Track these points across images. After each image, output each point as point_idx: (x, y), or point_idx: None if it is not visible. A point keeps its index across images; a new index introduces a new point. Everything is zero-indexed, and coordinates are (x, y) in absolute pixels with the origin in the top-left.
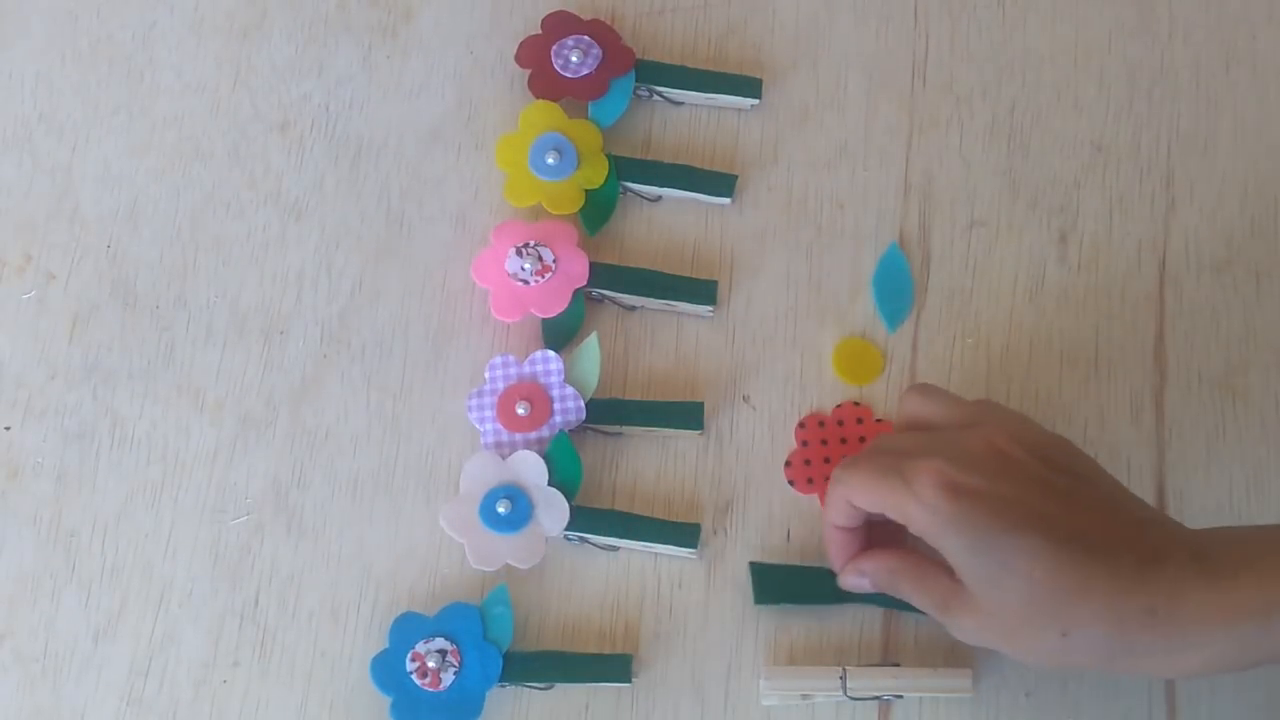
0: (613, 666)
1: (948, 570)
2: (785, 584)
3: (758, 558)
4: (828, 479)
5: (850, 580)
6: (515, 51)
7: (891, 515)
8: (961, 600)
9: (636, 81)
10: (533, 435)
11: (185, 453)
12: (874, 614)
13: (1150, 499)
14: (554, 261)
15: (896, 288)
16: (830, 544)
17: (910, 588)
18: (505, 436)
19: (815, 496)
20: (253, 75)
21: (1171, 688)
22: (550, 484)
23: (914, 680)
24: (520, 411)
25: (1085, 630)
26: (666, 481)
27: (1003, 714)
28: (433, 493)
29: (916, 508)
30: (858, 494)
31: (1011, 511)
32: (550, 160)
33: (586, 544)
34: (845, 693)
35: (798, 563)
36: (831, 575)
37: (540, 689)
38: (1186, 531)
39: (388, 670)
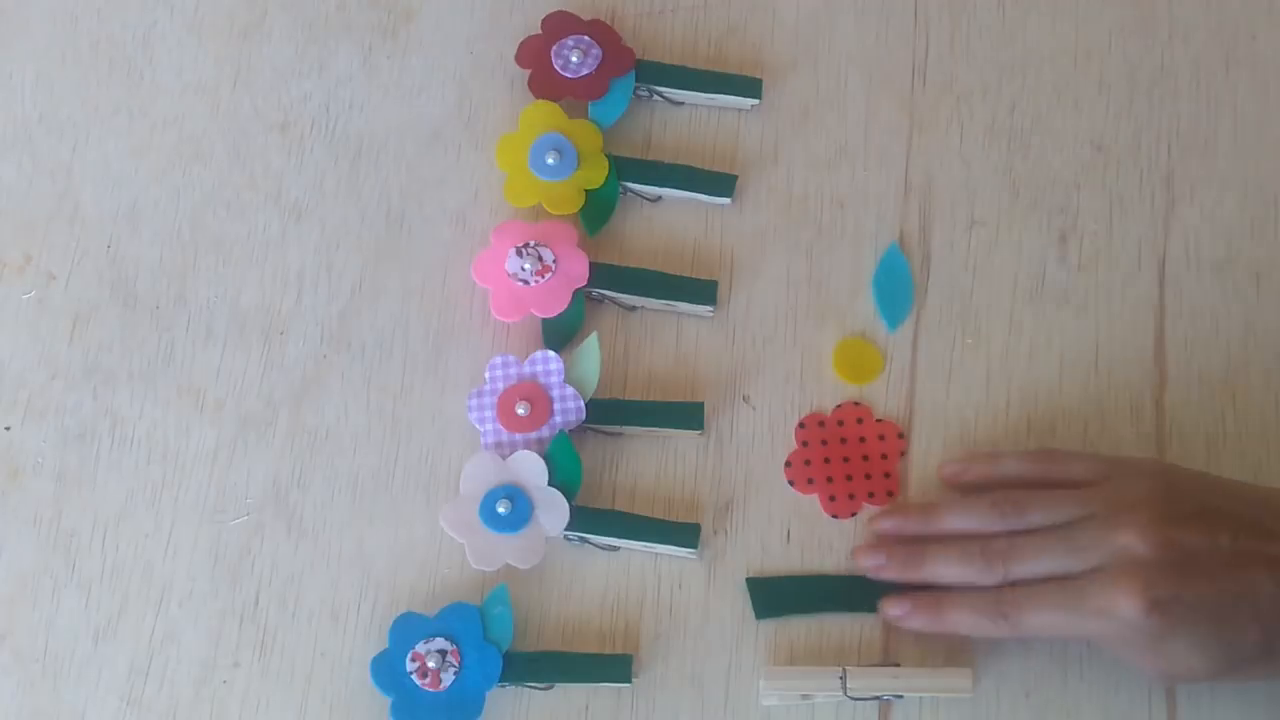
0: (613, 666)
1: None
2: (784, 596)
3: (758, 558)
4: (829, 479)
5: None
6: (515, 51)
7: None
8: (1158, 655)
9: (636, 81)
10: (533, 435)
11: (185, 453)
12: (874, 614)
13: None
14: (554, 261)
15: (897, 288)
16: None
17: (1094, 630)
18: (505, 436)
19: (815, 497)
20: (253, 75)
21: (1171, 688)
22: (550, 484)
23: (914, 680)
24: (520, 411)
25: None
26: (666, 481)
27: (1003, 714)
28: (433, 493)
29: (1125, 635)
30: (1040, 633)
31: (1214, 600)
32: (550, 160)
33: (586, 544)
34: (845, 693)
35: (796, 563)
36: (830, 580)
37: (540, 689)
38: None
39: (388, 670)
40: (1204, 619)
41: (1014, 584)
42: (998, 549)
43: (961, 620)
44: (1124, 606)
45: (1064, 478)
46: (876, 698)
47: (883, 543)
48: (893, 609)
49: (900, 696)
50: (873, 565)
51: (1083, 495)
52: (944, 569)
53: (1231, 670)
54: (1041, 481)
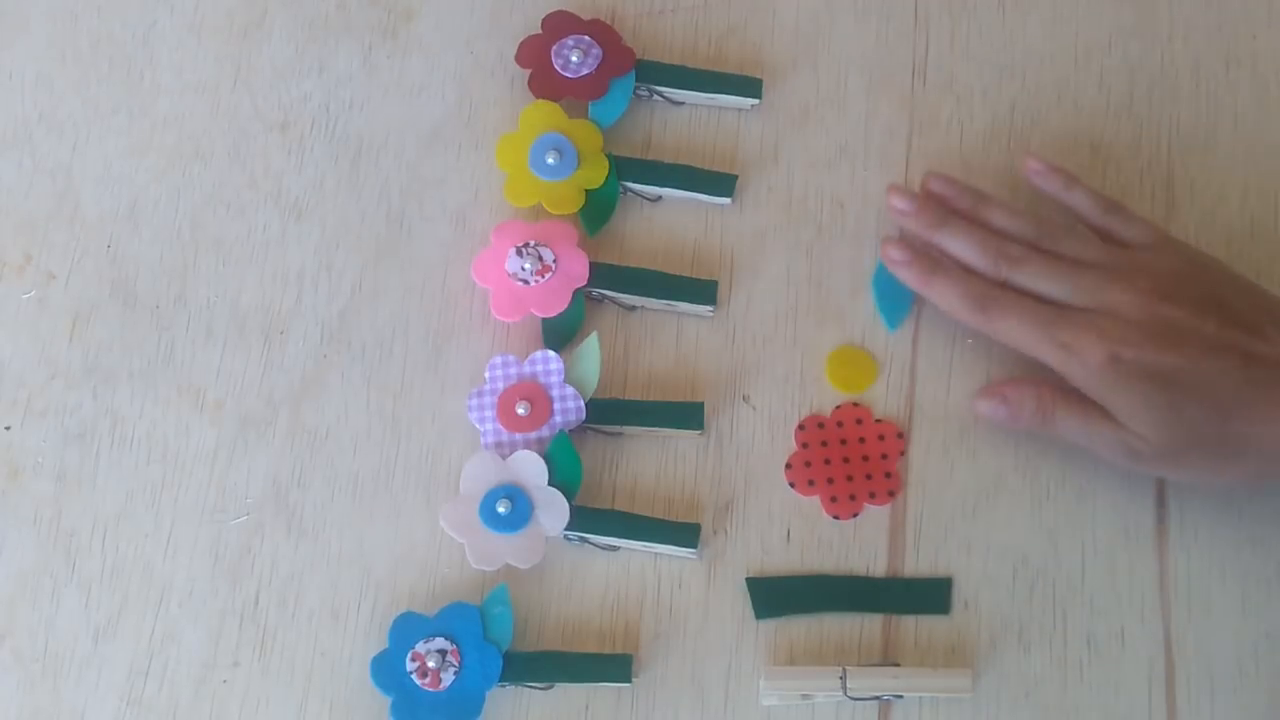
0: (613, 666)
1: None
2: (783, 596)
3: (758, 558)
4: (830, 480)
5: (986, 406)
6: (515, 51)
7: (1053, 365)
8: (1118, 426)
9: (636, 81)
10: (533, 435)
11: (185, 453)
12: (874, 614)
13: (1150, 499)
14: (554, 261)
15: (896, 288)
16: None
17: (1071, 421)
18: (505, 436)
19: (816, 498)
20: (253, 75)
21: (1171, 688)
22: (550, 484)
23: (914, 680)
24: (520, 411)
25: (1268, 467)
26: (666, 481)
27: (1003, 714)
28: (433, 493)
29: (1080, 375)
30: (1013, 340)
31: (1174, 376)
32: (550, 160)
33: (586, 544)
34: (845, 693)
35: (796, 563)
36: (830, 580)
37: (540, 689)
38: None
39: (388, 670)
40: (1158, 382)
41: (1007, 286)
42: (1011, 252)
43: (945, 291)
44: (1087, 350)
45: (1118, 233)
46: (876, 698)
47: (916, 195)
48: (893, 251)
49: (900, 696)
50: (902, 206)
51: (1115, 249)
52: (957, 242)
53: (1178, 445)
54: (1097, 228)
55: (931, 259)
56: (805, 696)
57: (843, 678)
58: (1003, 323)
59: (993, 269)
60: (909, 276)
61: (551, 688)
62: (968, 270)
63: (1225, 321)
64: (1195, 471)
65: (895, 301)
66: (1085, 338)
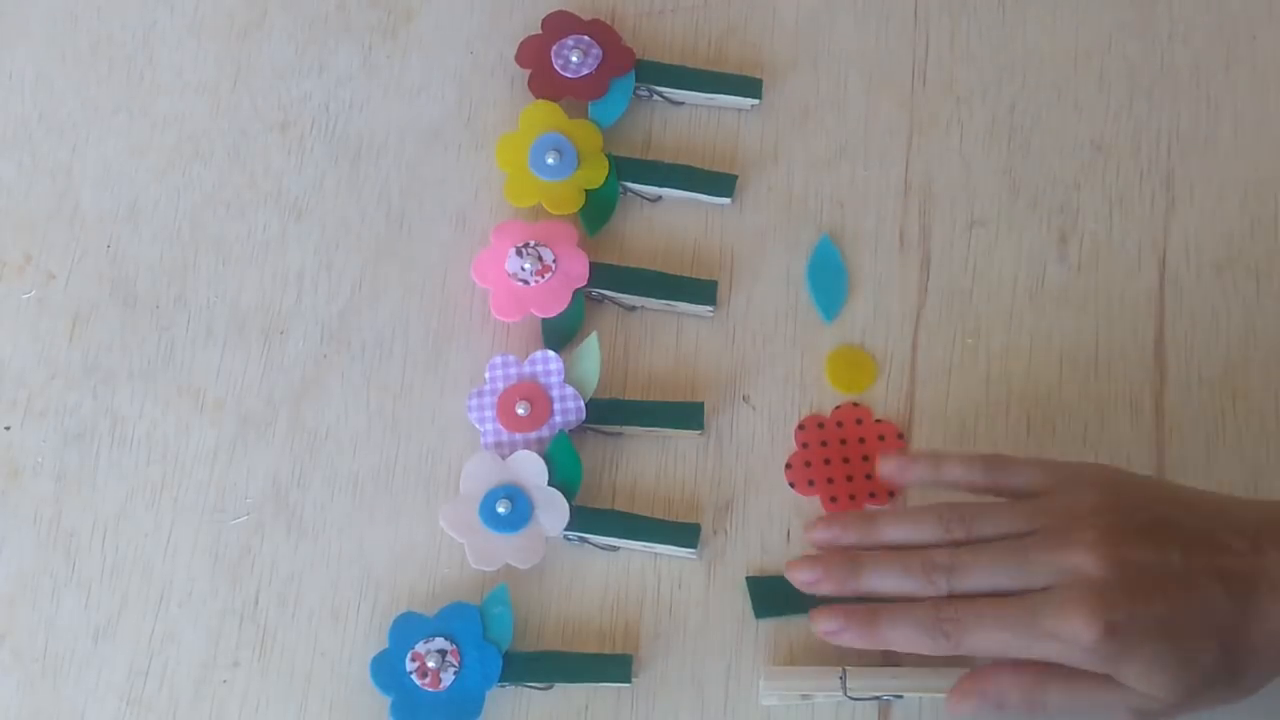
0: (613, 666)
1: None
2: (783, 595)
3: (758, 558)
4: (829, 480)
5: (967, 706)
6: (515, 51)
7: (1041, 659)
8: (1121, 691)
9: (636, 81)
10: (533, 435)
11: (185, 453)
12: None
13: None
14: (554, 261)
15: (831, 279)
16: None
17: (1067, 699)
18: (505, 436)
19: (816, 498)
20: (253, 75)
21: None
22: (550, 484)
23: (914, 680)
24: (520, 411)
25: (1268, 670)
26: (666, 481)
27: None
28: (433, 493)
29: (1085, 658)
30: (993, 651)
31: (1167, 620)
32: (550, 160)
33: (586, 544)
34: (845, 693)
35: None
36: None
37: (540, 689)
38: (1261, 514)
39: (388, 670)
40: (1161, 637)
41: (956, 598)
42: (940, 561)
43: (898, 636)
44: (1079, 630)
45: (1010, 486)
46: (876, 698)
47: (818, 555)
48: (824, 623)
49: (900, 696)
50: (807, 579)
51: (1031, 507)
52: (881, 581)
53: (1194, 694)
54: (986, 489)
55: (867, 609)
56: (805, 697)
57: (842, 678)
58: (976, 640)
59: (930, 588)
60: (855, 640)
61: (551, 688)
62: (909, 599)
63: (1187, 547)
64: (1206, 707)
65: (830, 292)
66: (1071, 620)
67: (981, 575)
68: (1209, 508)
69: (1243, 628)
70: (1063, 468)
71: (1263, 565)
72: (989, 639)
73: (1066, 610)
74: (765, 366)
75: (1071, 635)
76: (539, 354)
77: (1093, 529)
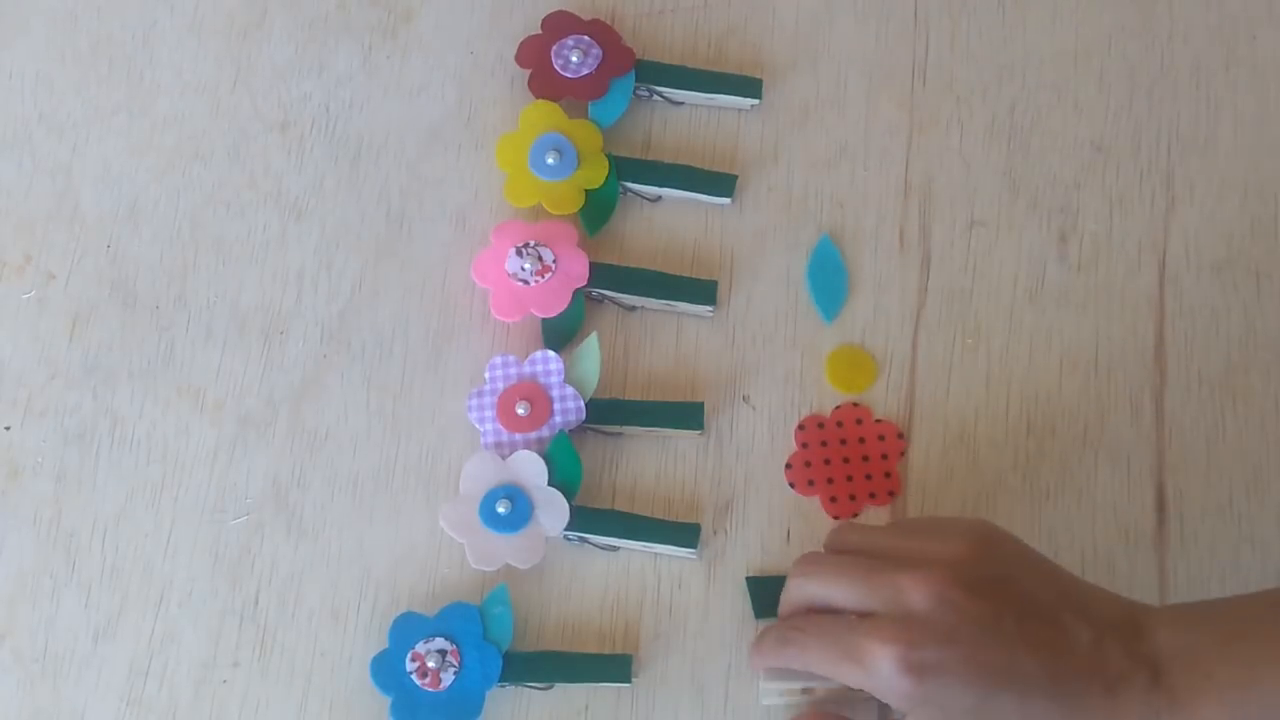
0: (613, 666)
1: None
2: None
3: (758, 558)
4: (829, 480)
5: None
6: (515, 51)
7: (851, 683)
8: None
9: (636, 81)
10: (533, 435)
11: (185, 453)
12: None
13: (1150, 499)
14: (554, 261)
15: (830, 279)
16: (761, 667)
17: None
18: (505, 436)
19: (816, 498)
20: (253, 75)
21: None
22: (550, 484)
23: None
24: (520, 411)
25: None
26: (666, 481)
27: None
28: (433, 493)
29: (882, 689)
30: (811, 665)
31: (976, 676)
32: (550, 160)
33: (586, 544)
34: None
35: None
36: None
37: (540, 689)
38: (1143, 628)
39: (388, 670)
40: (961, 691)
41: (812, 613)
42: (804, 564)
43: (765, 647)
44: (881, 658)
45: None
46: None
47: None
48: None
49: None
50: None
51: (902, 533)
52: (796, 587)
53: None
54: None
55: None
56: (806, 691)
57: None
58: (806, 655)
59: (798, 593)
60: (755, 660)
61: (551, 688)
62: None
63: (1024, 614)
64: None
65: (830, 293)
66: (877, 647)
67: (824, 583)
68: (1071, 590)
69: (1062, 708)
70: (946, 521)
71: (1099, 662)
72: (815, 654)
73: (876, 637)
74: (765, 366)
75: (874, 663)
76: (539, 354)
77: (936, 567)
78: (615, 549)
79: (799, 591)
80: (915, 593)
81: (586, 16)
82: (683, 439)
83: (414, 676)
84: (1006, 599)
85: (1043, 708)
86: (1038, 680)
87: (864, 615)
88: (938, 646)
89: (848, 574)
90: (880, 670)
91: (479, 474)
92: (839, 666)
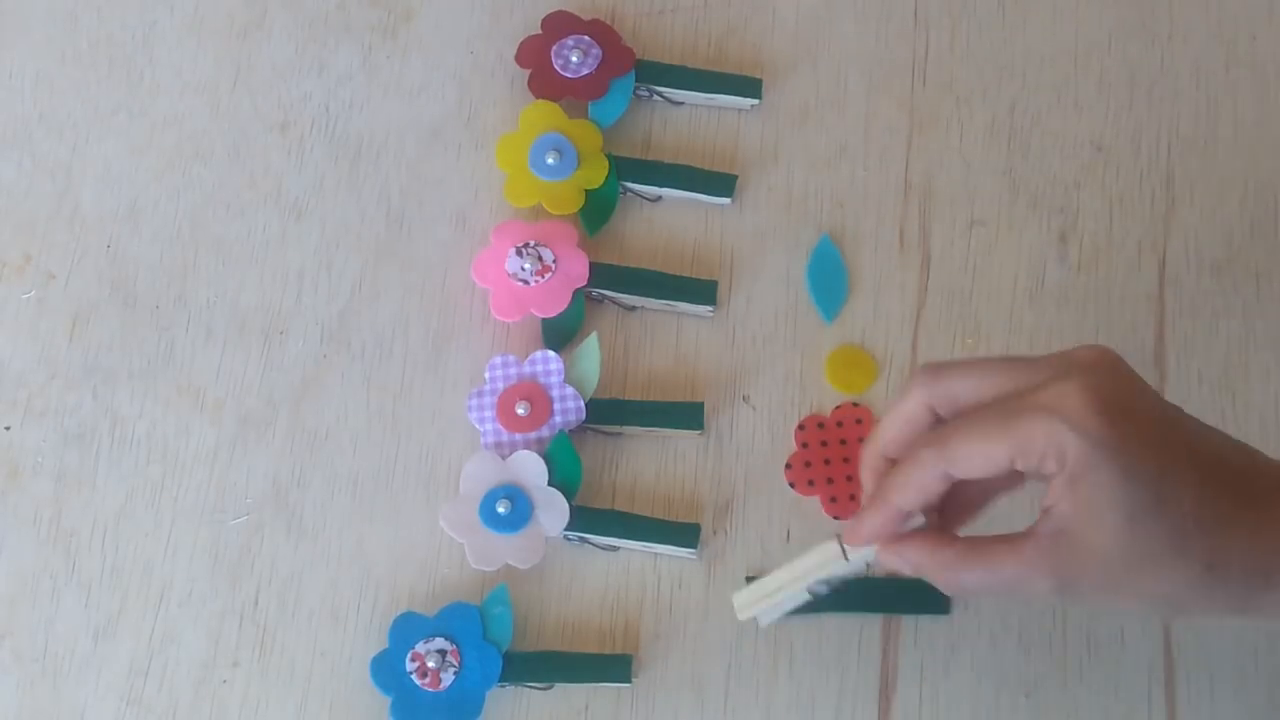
0: (613, 666)
1: (1009, 542)
2: None
3: (757, 558)
4: (829, 480)
5: (892, 562)
6: (515, 51)
7: (1023, 464)
8: (1060, 552)
9: (636, 81)
10: (533, 435)
11: (185, 453)
12: (874, 614)
13: None
14: (554, 261)
15: (830, 279)
16: (880, 521)
17: (980, 575)
18: (505, 436)
19: (816, 498)
20: (253, 75)
21: (1171, 687)
22: (550, 484)
23: None
24: (520, 411)
25: (1231, 560)
26: (666, 481)
27: (1003, 714)
28: (433, 493)
29: (1069, 436)
30: (974, 452)
31: (1161, 442)
32: (550, 160)
33: (586, 544)
34: (845, 556)
35: None
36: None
37: (540, 689)
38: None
39: (388, 670)
40: (1143, 451)
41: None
42: (932, 366)
43: (892, 481)
44: (1071, 394)
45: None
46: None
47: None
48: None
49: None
50: (894, 567)
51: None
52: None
53: (1136, 561)
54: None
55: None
56: (813, 590)
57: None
58: (959, 441)
59: (929, 390)
60: (863, 534)
61: (551, 688)
62: None
63: (1194, 423)
64: (1134, 599)
65: (830, 293)
66: (1070, 390)
67: (968, 372)
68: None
69: (1232, 494)
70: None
71: (1263, 463)
72: (976, 432)
73: (1062, 379)
74: (765, 366)
75: (1060, 401)
76: (539, 354)
77: (1096, 347)
78: (615, 549)
79: (936, 390)
80: (1087, 352)
81: (586, 16)
82: (682, 439)
83: (414, 676)
84: (1171, 406)
85: (1220, 489)
86: (1215, 457)
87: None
88: (1127, 393)
89: (997, 363)
90: (1071, 407)
91: (479, 474)
92: (1014, 428)
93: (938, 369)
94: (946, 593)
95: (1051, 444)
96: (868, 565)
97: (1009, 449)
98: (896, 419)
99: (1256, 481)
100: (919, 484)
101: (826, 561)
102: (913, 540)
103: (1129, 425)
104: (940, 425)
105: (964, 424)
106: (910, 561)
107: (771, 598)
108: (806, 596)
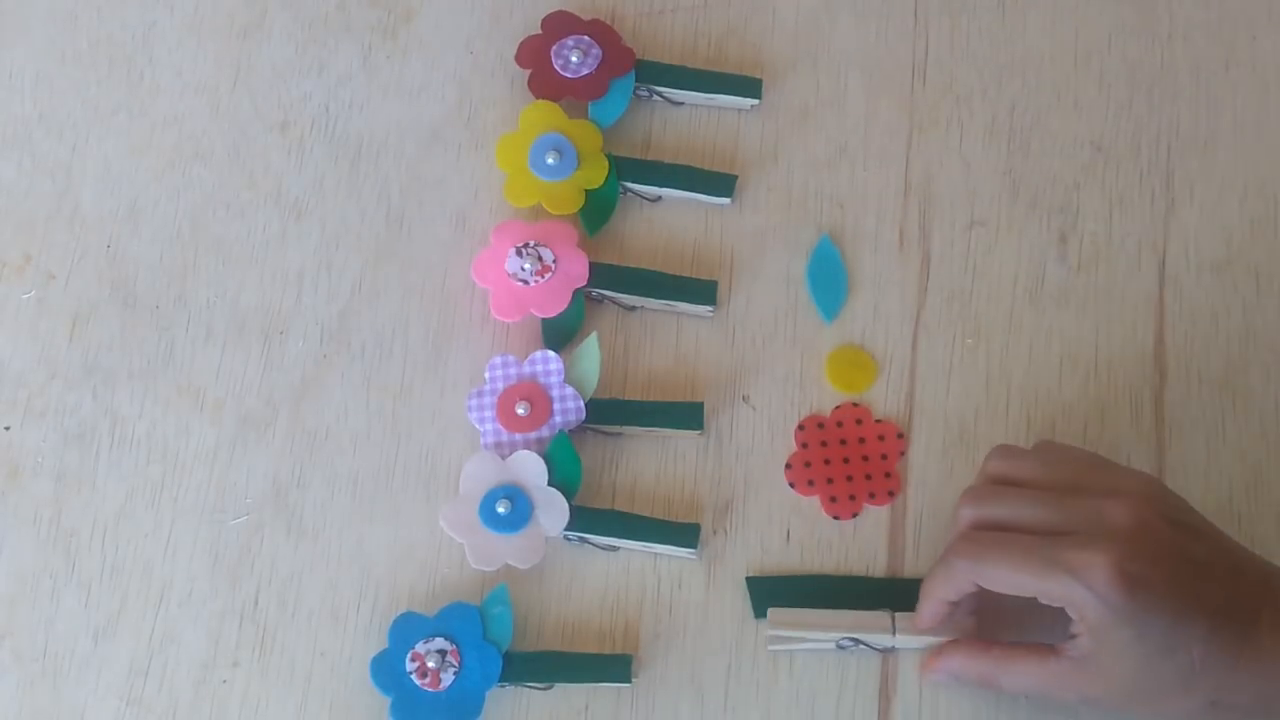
0: (613, 666)
1: (1039, 656)
2: (784, 596)
3: (757, 558)
4: (829, 480)
5: (936, 677)
6: (515, 51)
7: (1047, 602)
8: (1083, 675)
9: (636, 81)
10: (533, 435)
11: (185, 453)
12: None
13: None
14: (554, 261)
15: (830, 279)
16: (928, 613)
17: (1016, 679)
18: (505, 436)
19: (816, 498)
20: (253, 75)
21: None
22: (550, 484)
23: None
24: (520, 411)
25: (1234, 698)
26: (666, 481)
27: (1002, 714)
28: (433, 493)
29: (1090, 601)
30: (1003, 580)
31: (1175, 598)
32: (550, 160)
33: (586, 544)
34: (892, 632)
35: (796, 563)
36: (830, 580)
37: (540, 689)
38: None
39: (387, 670)
40: (1160, 610)
41: (990, 528)
42: (979, 490)
43: (932, 579)
44: (1096, 567)
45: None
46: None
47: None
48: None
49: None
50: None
51: (1077, 475)
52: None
53: (1156, 691)
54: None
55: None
56: (842, 644)
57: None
58: (992, 565)
59: (975, 512)
60: (924, 624)
61: (551, 688)
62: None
63: (1213, 548)
64: (1150, 712)
65: (830, 293)
66: (1094, 555)
67: (1013, 505)
68: (1232, 544)
69: (1237, 641)
70: (1110, 462)
71: (1272, 592)
72: (1014, 565)
73: (1089, 547)
74: (765, 366)
75: (1086, 571)
76: (539, 354)
77: (1134, 495)
78: (615, 549)
79: (981, 513)
80: (1119, 514)
81: (586, 16)
82: (682, 439)
83: (414, 676)
84: (1194, 533)
85: (1226, 636)
86: (1223, 608)
87: (1060, 534)
88: (1147, 563)
89: (1041, 497)
90: (1095, 579)
91: (479, 474)
92: (1043, 577)
93: (979, 495)
94: (982, 689)
95: (1074, 604)
96: (893, 647)
97: (1035, 590)
98: (961, 531)
99: (1262, 617)
100: (956, 587)
101: (870, 626)
102: (953, 653)
103: (1147, 594)
104: (981, 534)
105: (1001, 552)
106: (952, 672)
107: (807, 632)
108: (831, 646)
